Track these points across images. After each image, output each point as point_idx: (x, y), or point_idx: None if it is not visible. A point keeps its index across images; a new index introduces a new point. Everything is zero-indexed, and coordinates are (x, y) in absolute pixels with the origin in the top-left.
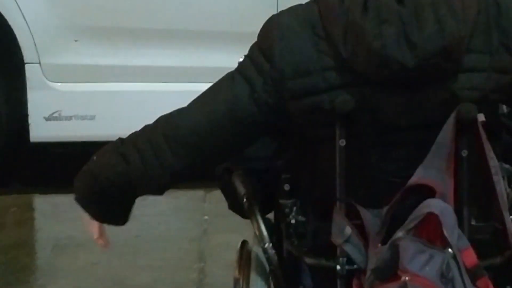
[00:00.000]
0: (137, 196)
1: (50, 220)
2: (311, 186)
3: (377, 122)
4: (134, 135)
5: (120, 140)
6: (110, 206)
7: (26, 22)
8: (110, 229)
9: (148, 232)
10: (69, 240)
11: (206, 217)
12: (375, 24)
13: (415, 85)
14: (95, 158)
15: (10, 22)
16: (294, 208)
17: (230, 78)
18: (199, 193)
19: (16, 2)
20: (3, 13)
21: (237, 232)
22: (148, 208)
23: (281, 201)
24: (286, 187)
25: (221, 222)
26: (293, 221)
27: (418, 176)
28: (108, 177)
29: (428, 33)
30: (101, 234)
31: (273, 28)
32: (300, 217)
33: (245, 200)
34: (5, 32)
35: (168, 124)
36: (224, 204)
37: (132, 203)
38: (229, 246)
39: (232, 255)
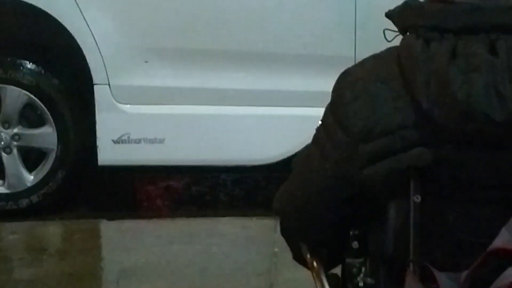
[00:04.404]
0: None
1: (117, 248)
2: (381, 245)
3: (457, 179)
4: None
5: None
6: None
7: (96, 43)
8: (175, 260)
9: (215, 264)
10: (135, 269)
11: (276, 249)
12: (463, 72)
13: (501, 142)
14: None
15: (80, 43)
16: (363, 269)
17: (309, 153)
18: (270, 222)
19: (86, 23)
20: (73, 34)
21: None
22: (215, 238)
23: (348, 260)
24: (355, 245)
25: (291, 256)
26: (361, 284)
27: (502, 239)
28: None
29: None
30: None
31: (345, 88)
32: (369, 279)
33: (308, 256)
34: (74, 53)
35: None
36: None
37: None
38: (299, 283)
39: None
